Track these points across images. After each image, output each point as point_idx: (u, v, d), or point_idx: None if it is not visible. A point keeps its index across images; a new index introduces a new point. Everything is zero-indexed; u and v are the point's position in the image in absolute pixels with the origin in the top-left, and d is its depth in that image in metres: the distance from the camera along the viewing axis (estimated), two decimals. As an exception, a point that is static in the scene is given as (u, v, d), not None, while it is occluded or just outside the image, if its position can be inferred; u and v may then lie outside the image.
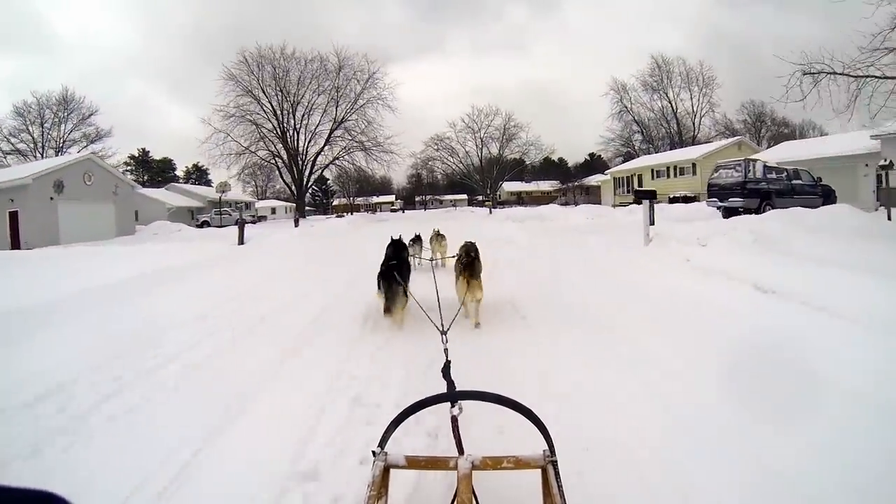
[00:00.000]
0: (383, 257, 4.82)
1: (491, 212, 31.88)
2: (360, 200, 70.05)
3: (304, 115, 38.47)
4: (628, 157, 50.52)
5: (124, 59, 74.52)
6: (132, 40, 77.65)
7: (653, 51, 59.60)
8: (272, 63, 36.76)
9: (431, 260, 5.83)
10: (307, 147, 38.98)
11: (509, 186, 65.58)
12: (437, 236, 8.75)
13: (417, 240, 8.19)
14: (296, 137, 38.62)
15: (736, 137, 31.63)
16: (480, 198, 65.95)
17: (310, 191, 68.71)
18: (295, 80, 37.93)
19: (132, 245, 13.94)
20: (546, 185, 69.86)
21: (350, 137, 39.19)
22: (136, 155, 50.98)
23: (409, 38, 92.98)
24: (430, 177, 69.55)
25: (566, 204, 49.02)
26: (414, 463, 1.31)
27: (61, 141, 37.89)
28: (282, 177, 39.84)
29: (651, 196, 8.11)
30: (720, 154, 28.18)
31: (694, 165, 27.31)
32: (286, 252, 10.81)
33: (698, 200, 23.69)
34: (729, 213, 13.62)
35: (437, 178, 69.58)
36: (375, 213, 54.06)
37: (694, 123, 50.20)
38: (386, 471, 1.28)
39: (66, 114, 38.74)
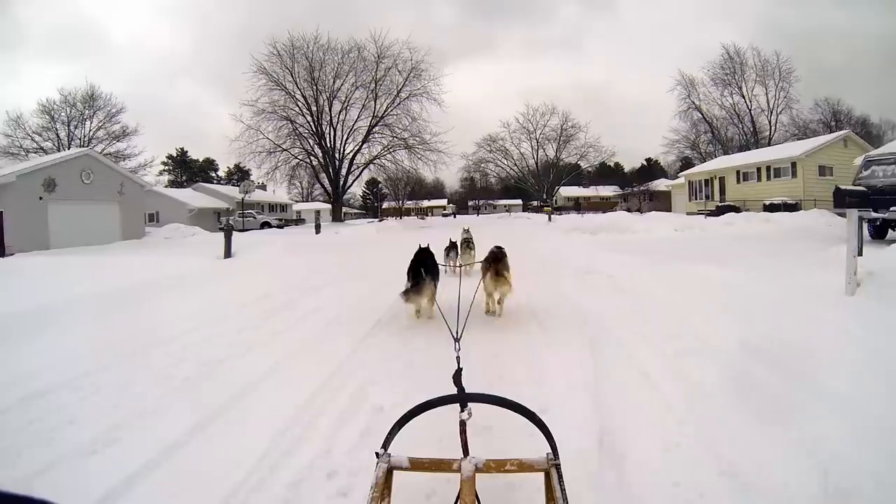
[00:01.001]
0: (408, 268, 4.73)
1: (550, 219, 28.17)
2: (410, 204, 69.18)
3: (341, 111, 35.66)
4: (686, 163, 45.68)
5: (176, 62, 78.18)
6: (182, 44, 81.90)
7: (711, 47, 53.35)
8: (305, 54, 33.76)
9: (459, 266, 5.67)
10: (344, 145, 36.18)
11: (566, 191, 62.00)
12: (465, 243, 8.09)
13: (452, 247, 7.90)
14: (332, 134, 35.41)
15: (842, 132, 26.64)
16: (535, 203, 62.95)
17: (356, 193, 68.81)
18: (330, 71, 34.82)
19: (114, 254, 12.28)
20: (606, 191, 65.64)
21: (392, 134, 36.17)
22: (175, 154, 51.16)
23: (459, 39, 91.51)
24: (483, 181, 67.63)
25: (629, 210, 44.97)
26: (417, 465, 1.30)
27: (86, 139, 36.61)
28: (317, 177, 37.21)
29: (864, 202, 4.65)
30: (824, 152, 23.66)
31: (793, 165, 22.80)
32: (271, 274, 8.33)
33: (800, 208, 19.68)
34: (881, 229, 10.07)
35: (490, 181, 67.41)
36: (424, 219, 52.37)
37: (770, 122, 44.30)
38: (389, 472, 1.27)
39: (91, 112, 37.08)
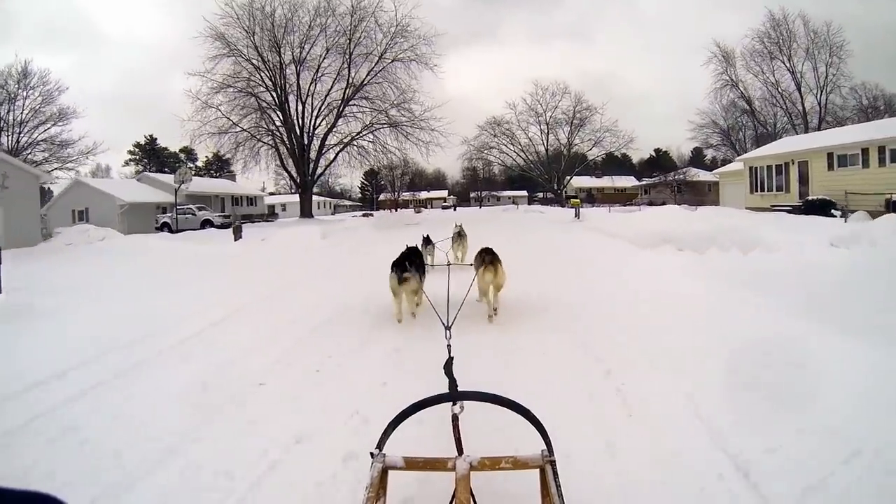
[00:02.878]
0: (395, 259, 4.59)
1: (578, 214, 21.03)
2: (408, 196, 63.60)
3: (312, 83, 28.86)
4: (719, 156, 39.45)
5: (168, 54, 72.16)
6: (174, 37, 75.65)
7: (724, 38, 46.00)
8: (267, 15, 27.43)
9: (448, 264, 5.31)
10: (314, 123, 29.10)
11: (577, 181, 55.76)
12: (458, 236, 8.02)
13: (428, 242, 7.54)
14: (300, 110, 28.52)
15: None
16: (542, 195, 56.94)
17: (355, 185, 62.82)
18: (298, 34, 28.05)
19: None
20: (622, 181, 59.57)
21: (372, 107, 29.34)
22: (144, 143, 45.00)
23: (460, 24, 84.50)
24: (486, 170, 61.88)
25: (651, 204, 38.91)
26: (412, 464, 1.30)
27: (16, 123, 30.15)
28: (281, 161, 29.70)
29: None
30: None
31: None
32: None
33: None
34: None
35: (493, 171, 61.57)
36: (420, 212, 46.32)
37: (820, 102, 37.90)
38: (384, 472, 1.27)
39: (25, 91, 30.14)
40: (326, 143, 29.54)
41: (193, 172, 31.67)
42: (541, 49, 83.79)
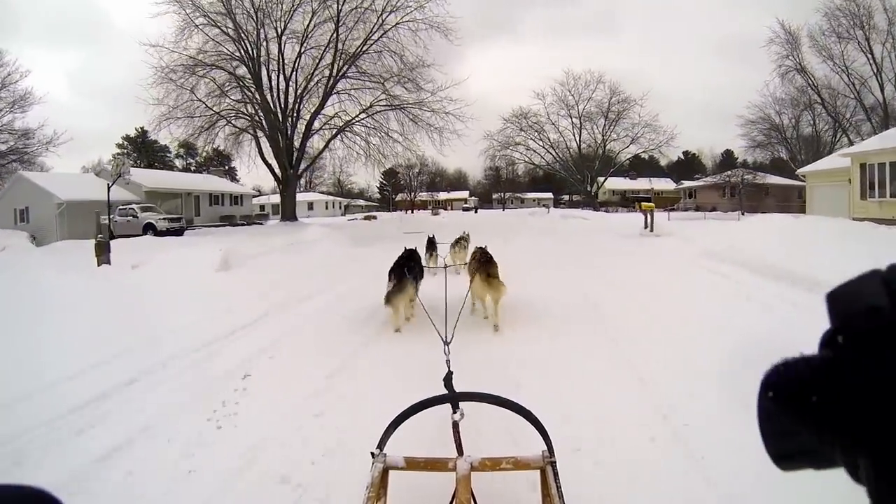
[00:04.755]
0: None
1: (651, 224, 13.15)
2: (425, 196, 59.65)
3: (298, 58, 23.72)
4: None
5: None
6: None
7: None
8: None
9: (445, 267, 5.32)
10: (299, 104, 23.76)
11: (611, 183, 50.52)
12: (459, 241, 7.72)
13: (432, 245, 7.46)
14: (283, 88, 23.28)
15: None
16: (568, 197, 51.98)
17: (373, 185, 58.86)
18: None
19: None
20: (660, 183, 54.11)
21: (364, 77, 23.69)
22: (133, 136, 40.61)
23: (476, 18, 79.83)
24: (509, 170, 57.61)
25: (698, 209, 33.63)
26: (413, 464, 1.31)
27: None
28: (259, 151, 24.33)
29: None
30: None
31: None
32: None
33: None
34: None
35: (517, 172, 57.18)
36: (438, 214, 42.01)
37: None
38: (385, 472, 1.27)
39: None
40: (313, 127, 24.39)
41: (195, 167, 27.75)
42: (554, 47, 79.36)
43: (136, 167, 32.20)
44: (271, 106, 23.65)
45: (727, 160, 64.60)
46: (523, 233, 15.25)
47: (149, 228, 18.47)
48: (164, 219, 19.10)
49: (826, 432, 0.30)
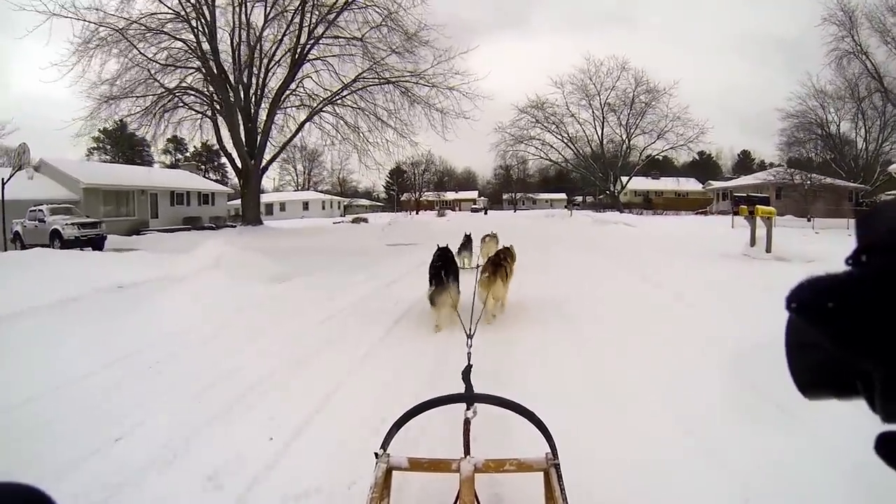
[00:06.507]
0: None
1: (770, 244, 8.05)
2: (431, 196, 56.19)
3: (266, 26, 19.31)
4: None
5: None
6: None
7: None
8: None
9: (477, 267, 5.04)
10: (263, 81, 19.25)
11: (634, 183, 46.27)
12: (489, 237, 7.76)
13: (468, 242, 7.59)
14: (248, 60, 19.06)
15: None
16: (583, 198, 47.95)
17: (379, 184, 55.31)
18: None
19: None
20: (687, 184, 49.93)
21: (354, 50, 18.98)
22: (110, 128, 36.37)
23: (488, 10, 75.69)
24: (520, 170, 54.09)
25: (736, 214, 29.10)
26: (416, 465, 1.30)
27: None
28: (219, 139, 19.75)
29: None
30: None
31: None
32: None
33: None
34: None
35: (528, 171, 53.58)
36: (445, 215, 38.26)
37: None
38: (388, 472, 1.25)
39: None
40: (280, 106, 19.69)
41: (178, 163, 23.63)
42: (563, 44, 74.81)
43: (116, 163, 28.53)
44: (232, 82, 19.13)
45: (743, 161, 60.36)
46: (549, 244, 11.40)
47: (55, 237, 14.28)
48: (74, 224, 14.31)
49: (845, 342, 0.31)
